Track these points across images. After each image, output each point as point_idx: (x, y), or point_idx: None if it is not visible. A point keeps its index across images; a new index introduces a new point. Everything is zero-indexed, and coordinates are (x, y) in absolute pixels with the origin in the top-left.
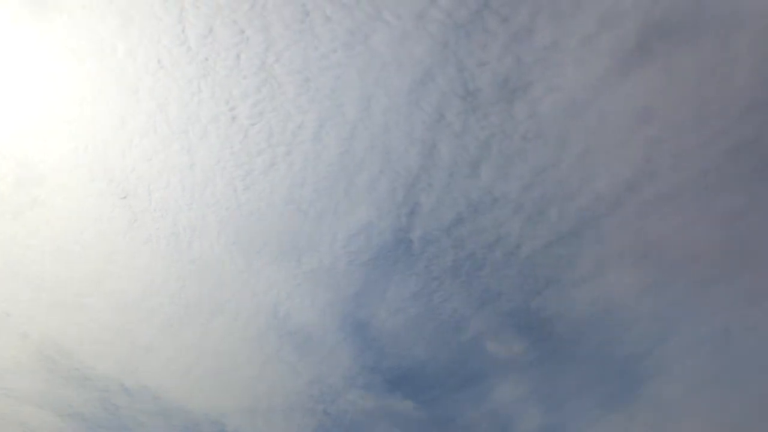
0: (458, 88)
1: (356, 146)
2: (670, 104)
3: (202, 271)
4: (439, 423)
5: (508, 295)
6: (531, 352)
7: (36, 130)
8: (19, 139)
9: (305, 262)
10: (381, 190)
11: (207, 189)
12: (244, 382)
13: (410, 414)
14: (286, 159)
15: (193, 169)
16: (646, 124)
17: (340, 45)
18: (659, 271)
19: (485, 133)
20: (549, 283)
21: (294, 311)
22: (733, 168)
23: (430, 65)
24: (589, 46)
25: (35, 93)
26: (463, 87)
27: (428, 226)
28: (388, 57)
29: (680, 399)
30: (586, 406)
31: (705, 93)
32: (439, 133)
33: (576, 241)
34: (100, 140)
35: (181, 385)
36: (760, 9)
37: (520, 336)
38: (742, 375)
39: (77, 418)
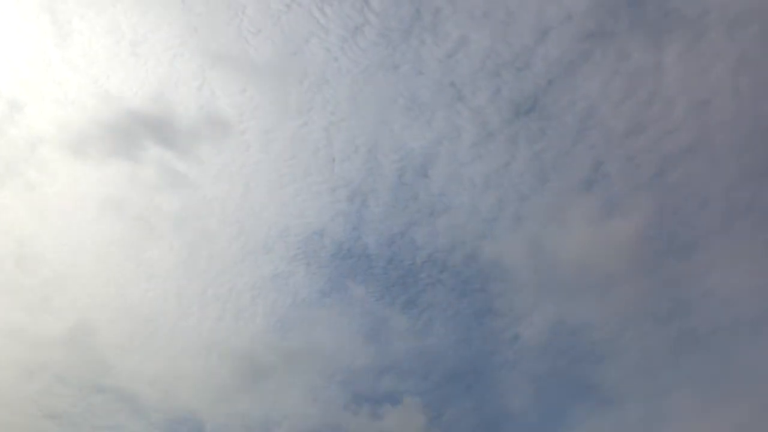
0: (398, 96)
1: (300, 155)
2: (612, 108)
3: (166, 272)
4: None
5: (470, 298)
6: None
7: None
8: None
9: (264, 264)
10: (325, 196)
11: (161, 194)
12: (220, 382)
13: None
14: (239, 171)
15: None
16: (591, 128)
17: (278, 57)
18: (618, 272)
19: (429, 139)
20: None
21: (260, 313)
22: (681, 169)
23: (367, 74)
24: (529, 54)
25: None
26: (402, 96)
27: (381, 230)
28: (325, 66)
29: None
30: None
31: (640, 98)
32: (382, 140)
33: (537, 242)
34: (56, 144)
35: (157, 385)
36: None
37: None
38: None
39: (51, 416)
